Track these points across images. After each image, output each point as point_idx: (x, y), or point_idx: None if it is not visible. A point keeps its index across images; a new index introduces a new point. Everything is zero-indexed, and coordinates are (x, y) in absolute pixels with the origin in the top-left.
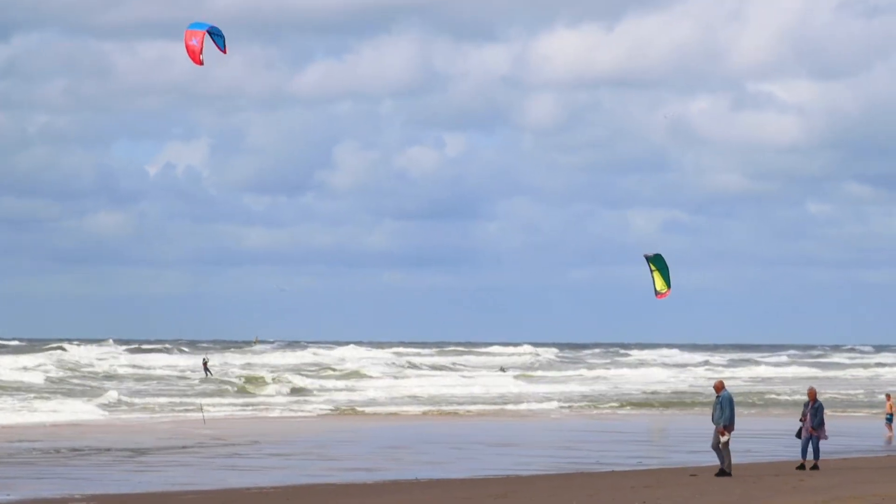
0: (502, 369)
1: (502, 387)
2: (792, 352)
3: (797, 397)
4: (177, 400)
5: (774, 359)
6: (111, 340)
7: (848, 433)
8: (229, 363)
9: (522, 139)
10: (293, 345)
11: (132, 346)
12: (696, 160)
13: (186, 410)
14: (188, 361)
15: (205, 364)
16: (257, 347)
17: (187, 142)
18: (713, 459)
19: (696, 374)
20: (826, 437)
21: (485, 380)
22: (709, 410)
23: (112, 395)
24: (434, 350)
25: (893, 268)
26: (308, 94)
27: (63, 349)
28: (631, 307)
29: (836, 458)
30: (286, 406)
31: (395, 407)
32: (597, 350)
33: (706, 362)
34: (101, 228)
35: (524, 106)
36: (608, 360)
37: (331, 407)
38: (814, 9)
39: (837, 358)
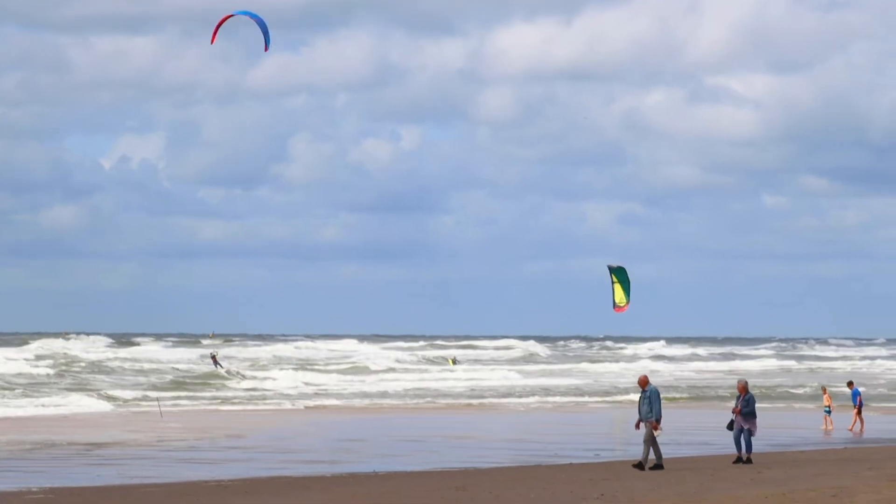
0: (454, 361)
1: (505, 380)
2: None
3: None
4: (218, 395)
5: (761, 351)
6: (81, 335)
7: (805, 426)
8: (233, 356)
9: (478, 132)
10: (267, 338)
11: (118, 339)
12: (652, 153)
13: (221, 404)
14: (189, 354)
15: (214, 358)
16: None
17: (142, 135)
18: (673, 452)
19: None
20: (755, 432)
21: (482, 373)
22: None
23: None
24: (425, 343)
25: (847, 261)
26: (264, 88)
27: (64, 339)
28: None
29: (794, 450)
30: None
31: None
32: (574, 343)
33: (695, 355)
34: (55, 222)
35: (480, 99)
36: (597, 353)
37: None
38: (770, 2)
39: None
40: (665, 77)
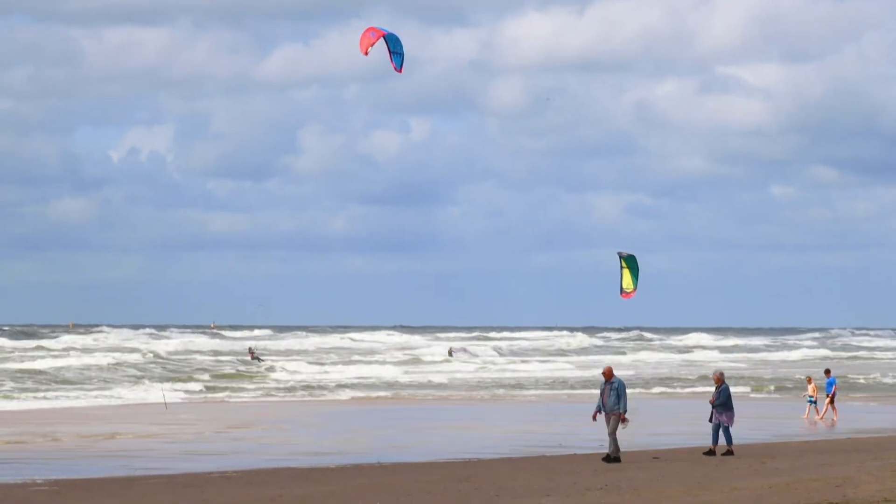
0: (451, 353)
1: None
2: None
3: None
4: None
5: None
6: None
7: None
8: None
9: (489, 124)
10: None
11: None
12: (661, 144)
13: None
14: (231, 346)
15: (252, 353)
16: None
17: (152, 127)
18: (676, 442)
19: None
20: (731, 423)
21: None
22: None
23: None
24: (471, 334)
25: (857, 251)
26: (274, 80)
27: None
28: (593, 291)
29: (799, 440)
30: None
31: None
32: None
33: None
34: (64, 215)
35: (491, 90)
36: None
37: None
38: None
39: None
40: (676, 67)
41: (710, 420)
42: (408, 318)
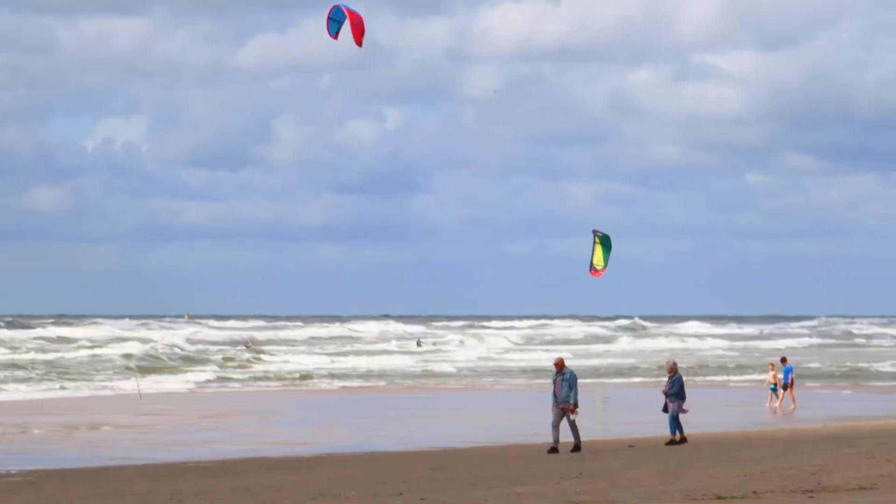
0: (418, 343)
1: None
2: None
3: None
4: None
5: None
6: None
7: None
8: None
9: (464, 112)
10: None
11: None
12: (637, 132)
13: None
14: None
15: (248, 344)
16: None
17: (126, 117)
18: (652, 430)
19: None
20: (684, 411)
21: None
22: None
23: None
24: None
25: (830, 238)
26: (250, 69)
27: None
28: (568, 279)
29: (774, 428)
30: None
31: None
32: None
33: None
34: (38, 204)
35: (466, 79)
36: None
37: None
38: None
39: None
40: (652, 55)
41: (665, 410)
42: (383, 306)
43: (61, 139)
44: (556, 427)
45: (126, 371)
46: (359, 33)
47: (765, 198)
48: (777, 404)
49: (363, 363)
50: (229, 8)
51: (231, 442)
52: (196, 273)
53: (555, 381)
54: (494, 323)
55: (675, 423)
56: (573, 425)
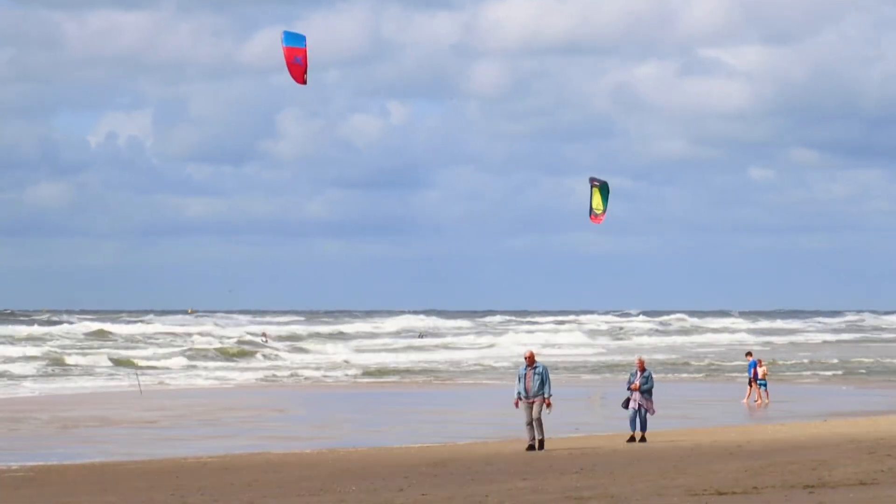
0: (421, 336)
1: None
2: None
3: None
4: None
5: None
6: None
7: (787, 398)
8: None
9: (469, 107)
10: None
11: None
12: (642, 127)
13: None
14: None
15: (264, 337)
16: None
17: (131, 112)
18: (652, 425)
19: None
20: (654, 412)
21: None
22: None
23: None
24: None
25: (834, 234)
26: (255, 64)
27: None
28: (572, 274)
29: (775, 423)
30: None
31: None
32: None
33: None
34: (41, 200)
35: (471, 74)
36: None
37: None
38: None
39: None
40: (658, 50)
41: (626, 406)
42: (387, 302)
43: (65, 134)
44: (530, 424)
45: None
46: (298, 73)
47: (769, 192)
48: (745, 399)
49: (415, 358)
50: (235, 2)
51: (233, 437)
52: (199, 268)
53: (525, 376)
54: (511, 318)
55: (643, 421)
56: (539, 421)
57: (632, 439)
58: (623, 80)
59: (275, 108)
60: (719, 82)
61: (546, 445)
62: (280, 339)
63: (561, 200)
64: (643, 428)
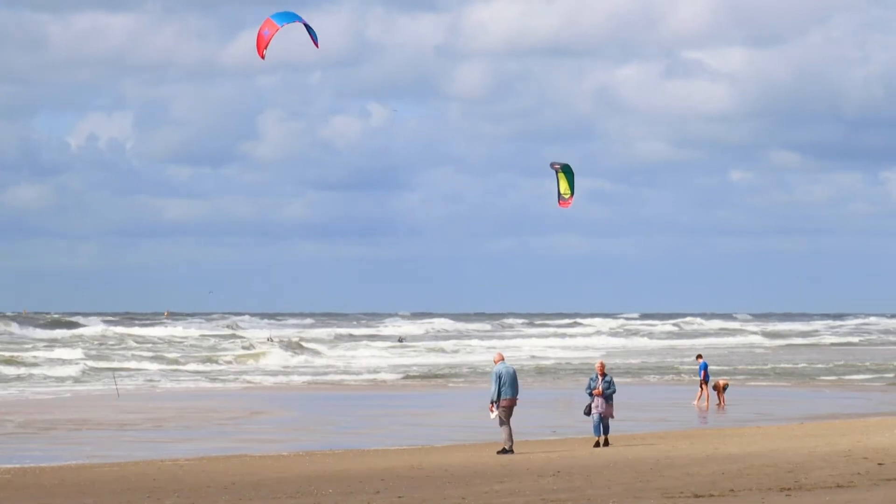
0: (400, 340)
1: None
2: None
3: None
4: None
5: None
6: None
7: (767, 401)
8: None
9: (451, 109)
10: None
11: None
12: (624, 129)
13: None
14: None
15: (271, 340)
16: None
17: (112, 113)
18: (626, 428)
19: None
20: (613, 416)
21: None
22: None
23: None
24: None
25: (815, 236)
26: (239, 65)
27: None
28: (554, 277)
29: (752, 426)
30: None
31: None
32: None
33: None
34: (21, 201)
35: (454, 75)
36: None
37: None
38: None
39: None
40: (642, 52)
41: (589, 413)
42: (368, 304)
43: (46, 135)
44: (504, 424)
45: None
46: (261, 45)
47: (749, 195)
48: (696, 402)
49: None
50: (220, 4)
51: (210, 440)
52: (177, 270)
53: (502, 378)
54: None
55: (605, 425)
56: (505, 423)
57: (597, 444)
58: (607, 82)
59: (256, 109)
60: (702, 84)
61: (515, 449)
62: (315, 341)
63: (543, 202)
64: (605, 432)
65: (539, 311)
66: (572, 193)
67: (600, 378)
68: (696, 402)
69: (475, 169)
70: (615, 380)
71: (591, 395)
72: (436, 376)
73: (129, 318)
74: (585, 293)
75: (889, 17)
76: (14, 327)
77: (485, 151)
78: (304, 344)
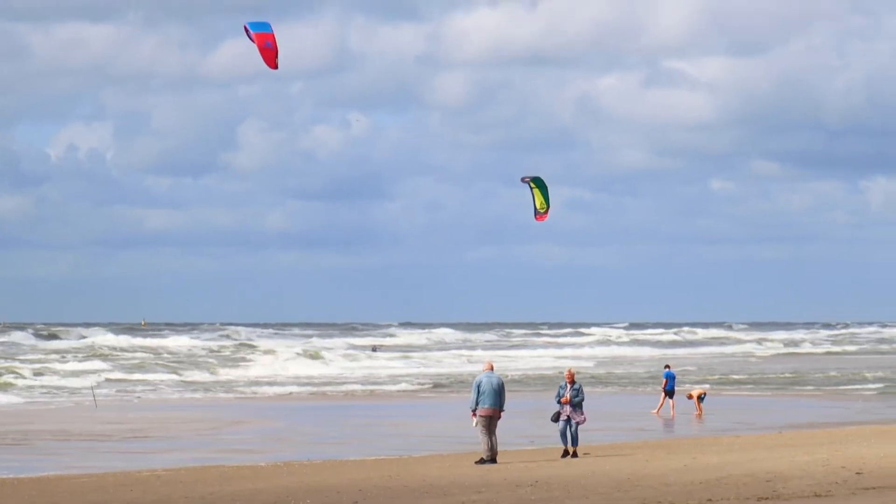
0: (374, 349)
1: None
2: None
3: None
4: None
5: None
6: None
7: (747, 410)
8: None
9: (431, 118)
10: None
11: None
12: (605, 139)
13: None
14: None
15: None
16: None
17: (92, 123)
18: (607, 438)
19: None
20: (583, 421)
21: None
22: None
23: None
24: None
25: (795, 244)
26: (219, 75)
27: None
28: (533, 286)
29: (730, 435)
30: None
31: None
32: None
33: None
34: (0, 212)
35: (436, 85)
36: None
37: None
38: None
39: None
40: (624, 61)
41: (556, 420)
42: (349, 314)
43: (27, 145)
44: (494, 435)
45: None
46: (271, 57)
47: (730, 204)
48: (656, 411)
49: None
50: (201, 14)
51: (188, 450)
52: (158, 280)
53: (486, 388)
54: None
55: (574, 435)
56: (488, 433)
57: (565, 454)
58: (587, 92)
59: (237, 119)
60: (683, 93)
61: (499, 459)
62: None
63: (523, 211)
64: (574, 443)
65: (522, 320)
66: (548, 207)
67: (569, 386)
68: (655, 412)
69: (456, 178)
70: (598, 389)
71: (559, 402)
72: (435, 385)
73: (129, 328)
74: (567, 302)
75: (869, 25)
76: (18, 336)
77: (466, 160)
78: (324, 353)
